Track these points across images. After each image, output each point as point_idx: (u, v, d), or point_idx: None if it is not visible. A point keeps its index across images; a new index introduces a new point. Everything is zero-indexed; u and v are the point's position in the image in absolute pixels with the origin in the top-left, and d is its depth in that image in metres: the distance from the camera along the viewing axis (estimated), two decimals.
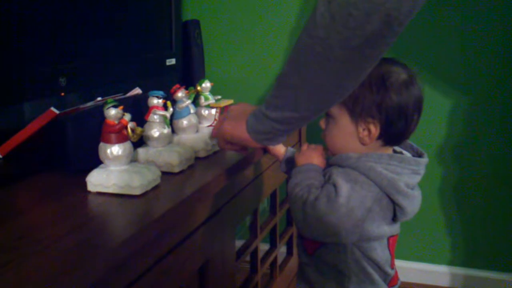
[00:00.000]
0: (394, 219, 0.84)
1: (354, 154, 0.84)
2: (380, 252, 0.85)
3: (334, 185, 0.81)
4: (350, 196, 0.79)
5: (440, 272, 1.72)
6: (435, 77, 1.60)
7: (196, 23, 1.65)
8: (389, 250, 0.87)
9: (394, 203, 0.82)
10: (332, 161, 0.87)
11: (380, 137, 0.83)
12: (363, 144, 0.84)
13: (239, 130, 0.85)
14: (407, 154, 0.88)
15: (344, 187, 0.80)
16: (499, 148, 1.61)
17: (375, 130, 0.82)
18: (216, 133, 0.93)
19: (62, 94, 1.03)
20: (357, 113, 0.82)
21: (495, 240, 1.66)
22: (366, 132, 0.83)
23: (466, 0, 1.56)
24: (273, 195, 1.41)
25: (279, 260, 1.47)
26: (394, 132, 0.83)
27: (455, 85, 1.61)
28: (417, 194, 0.85)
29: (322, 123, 0.89)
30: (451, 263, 1.72)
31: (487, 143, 1.61)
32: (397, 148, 0.90)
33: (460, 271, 1.71)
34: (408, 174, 0.84)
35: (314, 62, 0.67)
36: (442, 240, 1.71)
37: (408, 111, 0.82)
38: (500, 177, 1.62)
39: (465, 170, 1.65)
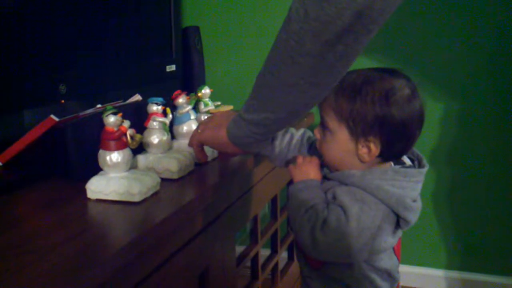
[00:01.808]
0: (396, 227, 0.84)
1: (357, 172, 0.80)
2: (388, 260, 0.84)
3: (342, 207, 0.78)
4: (360, 217, 0.77)
5: (436, 276, 1.72)
6: (427, 81, 1.61)
7: (196, 29, 1.65)
8: (396, 255, 0.87)
9: (398, 217, 0.81)
10: (333, 176, 0.84)
11: (379, 155, 0.80)
12: (362, 161, 0.81)
13: (220, 137, 0.84)
14: (406, 160, 0.87)
15: (353, 209, 0.77)
16: (493, 151, 1.61)
17: (375, 149, 0.79)
18: (194, 141, 0.92)
19: (62, 101, 1.03)
20: (358, 131, 0.79)
21: (492, 244, 1.66)
22: (365, 150, 0.80)
23: (459, 4, 1.56)
24: (273, 201, 1.41)
25: (280, 265, 1.47)
26: (394, 151, 0.81)
27: (447, 90, 1.62)
28: (419, 205, 0.84)
29: (317, 133, 0.85)
30: (447, 266, 1.72)
31: (480, 146, 1.62)
32: None
33: (457, 274, 1.70)
34: (412, 186, 0.81)
35: (287, 57, 0.67)
36: (438, 243, 1.71)
37: (410, 129, 0.79)
38: (494, 180, 1.62)
39: (459, 173, 1.65)
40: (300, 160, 0.86)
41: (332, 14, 0.60)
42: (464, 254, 1.70)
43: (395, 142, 0.79)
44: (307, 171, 0.85)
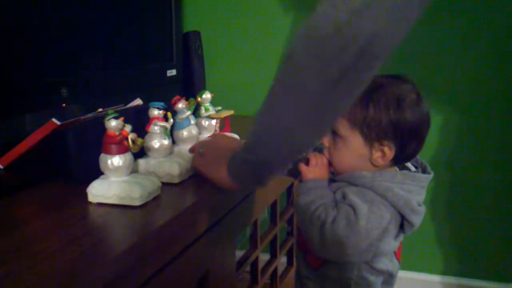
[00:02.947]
0: (399, 231, 0.84)
1: (367, 173, 0.82)
2: (389, 262, 0.85)
3: (352, 206, 0.79)
4: (369, 217, 0.78)
5: (433, 281, 1.72)
6: (427, 90, 1.60)
7: (196, 34, 1.66)
8: (397, 258, 0.88)
9: (404, 220, 0.82)
10: (341, 178, 0.85)
11: (392, 158, 0.82)
12: (375, 166, 0.82)
13: (220, 175, 0.82)
14: (411, 167, 0.88)
15: (363, 209, 0.78)
16: (490, 159, 1.61)
17: (390, 152, 0.81)
18: (194, 165, 0.91)
19: (64, 105, 1.03)
20: (372, 136, 0.80)
21: (489, 250, 1.66)
22: (379, 154, 0.81)
23: (459, 16, 1.57)
24: (273, 206, 1.41)
25: (280, 270, 1.47)
26: (407, 153, 0.82)
27: (447, 98, 1.62)
28: (424, 209, 0.85)
29: (326, 141, 0.85)
30: (444, 272, 1.72)
31: (478, 154, 1.62)
32: None
33: (453, 280, 1.70)
34: (418, 190, 0.83)
35: (290, 97, 0.65)
36: (435, 249, 1.71)
37: (421, 131, 0.81)
38: (491, 186, 1.62)
39: (456, 180, 1.65)
40: (312, 159, 0.87)
41: (334, 54, 0.60)
42: (461, 260, 1.70)
43: (408, 144, 0.81)
44: (318, 170, 0.86)
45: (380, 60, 0.61)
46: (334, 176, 0.88)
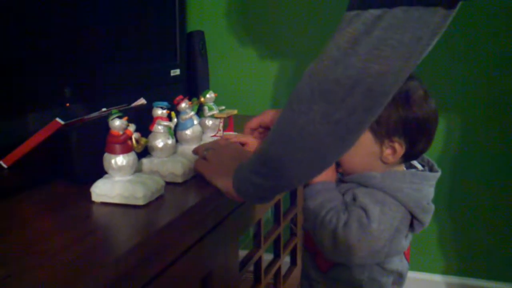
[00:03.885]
0: (409, 230, 0.84)
1: (377, 174, 0.82)
2: (399, 263, 0.85)
3: (363, 209, 0.79)
4: (381, 219, 0.78)
5: (434, 281, 1.72)
6: (429, 91, 1.61)
7: (200, 34, 1.66)
8: (406, 258, 0.88)
9: (413, 218, 0.82)
10: (351, 179, 0.85)
11: (403, 155, 0.82)
12: (385, 163, 0.82)
13: (225, 185, 0.82)
14: (418, 166, 0.88)
15: (375, 211, 0.78)
16: (492, 159, 1.61)
17: (400, 149, 0.81)
18: (197, 168, 0.91)
19: (67, 105, 1.03)
20: (382, 133, 0.80)
21: (491, 249, 1.65)
22: (390, 151, 0.81)
23: (460, 22, 1.56)
24: (277, 205, 1.41)
25: (283, 270, 1.47)
26: (417, 149, 0.82)
27: (448, 102, 1.62)
28: (433, 207, 0.85)
29: None
30: (445, 272, 1.72)
31: (479, 153, 1.62)
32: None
33: (455, 280, 1.70)
34: (427, 189, 0.83)
35: (297, 135, 0.65)
36: (436, 248, 1.71)
37: (430, 127, 0.82)
38: (493, 185, 1.62)
39: (458, 178, 1.65)
40: None
41: (342, 95, 0.59)
42: (462, 259, 1.69)
43: (418, 140, 0.81)
44: (325, 172, 0.84)
45: (389, 95, 0.60)
46: (343, 177, 0.88)
